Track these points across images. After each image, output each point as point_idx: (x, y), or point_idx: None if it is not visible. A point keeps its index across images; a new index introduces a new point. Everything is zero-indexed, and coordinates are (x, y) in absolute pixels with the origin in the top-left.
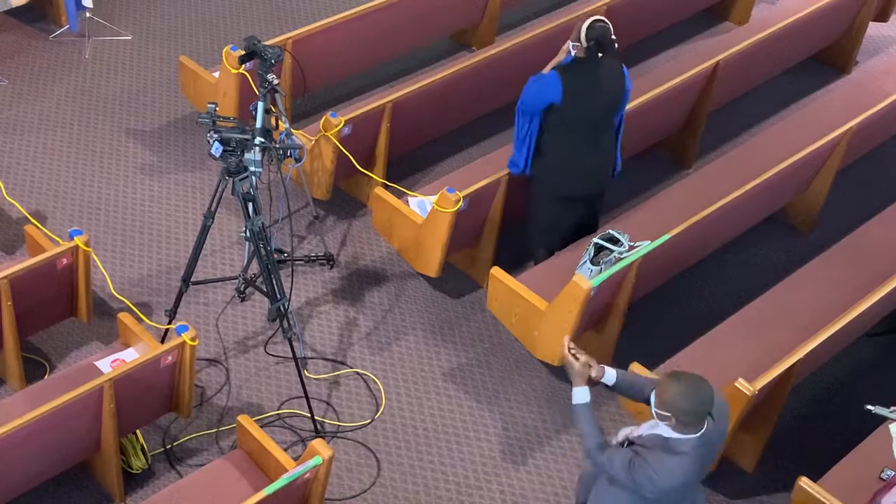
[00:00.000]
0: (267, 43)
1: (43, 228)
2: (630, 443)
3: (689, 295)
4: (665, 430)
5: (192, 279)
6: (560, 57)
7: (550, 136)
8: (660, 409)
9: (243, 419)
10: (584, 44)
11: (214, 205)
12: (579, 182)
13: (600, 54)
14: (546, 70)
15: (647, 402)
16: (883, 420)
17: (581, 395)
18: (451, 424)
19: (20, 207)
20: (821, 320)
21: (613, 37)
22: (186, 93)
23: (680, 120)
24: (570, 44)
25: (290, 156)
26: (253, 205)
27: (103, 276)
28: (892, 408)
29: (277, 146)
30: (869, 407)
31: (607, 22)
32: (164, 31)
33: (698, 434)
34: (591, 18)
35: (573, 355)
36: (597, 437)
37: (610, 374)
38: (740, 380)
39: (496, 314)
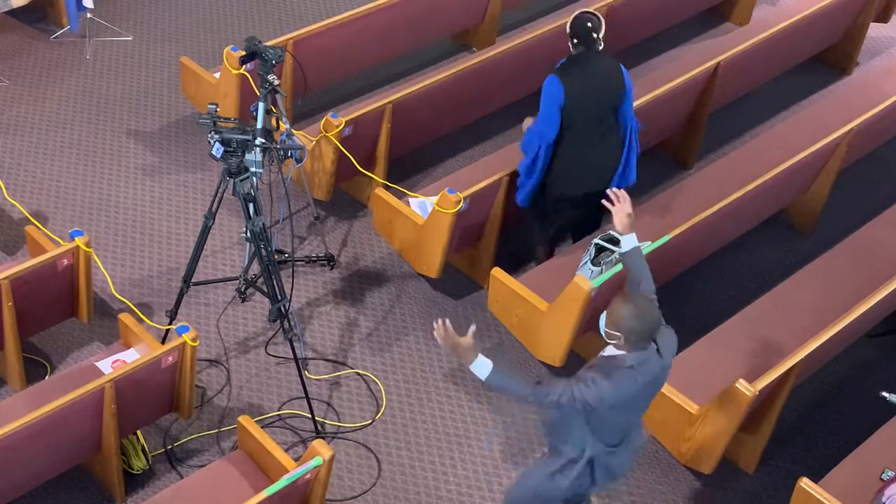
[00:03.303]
0: (268, 44)
1: (44, 229)
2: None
3: (689, 295)
4: (611, 351)
5: (193, 280)
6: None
7: (557, 142)
8: (609, 329)
9: (244, 420)
10: (571, 39)
11: (215, 205)
12: (584, 180)
13: (582, 45)
14: (523, 127)
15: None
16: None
17: (483, 365)
18: (451, 425)
19: (21, 208)
20: (821, 321)
21: (595, 34)
22: (187, 93)
23: (681, 120)
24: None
25: (291, 156)
26: (254, 205)
27: (104, 276)
28: None
29: (278, 147)
30: (884, 394)
31: (593, 13)
32: (164, 32)
33: (643, 353)
34: (575, 13)
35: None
36: (525, 384)
37: (631, 239)
38: (741, 380)
39: (497, 315)
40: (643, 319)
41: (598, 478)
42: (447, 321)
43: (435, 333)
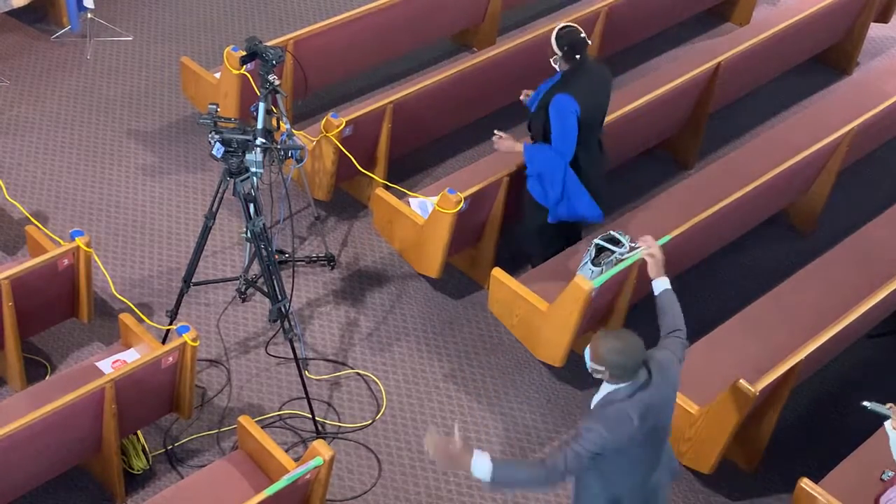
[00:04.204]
0: (268, 44)
1: (44, 229)
2: None
3: (690, 296)
4: (604, 388)
5: (194, 280)
6: (517, 147)
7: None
8: (594, 364)
9: (244, 420)
10: (559, 53)
11: (215, 205)
12: (593, 189)
13: (577, 56)
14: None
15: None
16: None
17: (483, 464)
18: (452, 425)
19: (21, 208)
20: (822, 321)
21: (583, 35)
22: (188, 93)
23: (681, 121)
24: (552, 62)
25: (292, 156)
26: (254, 205)
27: (104, 276)
28: (889, 405)
29: (279, 147)
30: (865, 403)
31: (574, 25)
32: (165, 32)
33: (633, 384)
34: (557, 27)
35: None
36: (531, 466)
37: (663, 282)
38: (742, 381)
39: (497, 315)
40: (624, 353)
41: None
42: (431, 430)
43: (426, 447)
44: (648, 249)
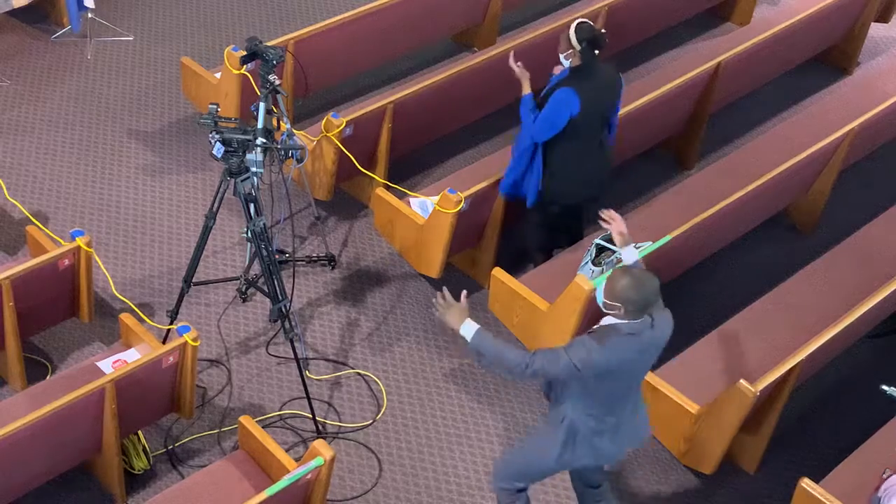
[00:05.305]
0: (268, 44)
1: (45, 229)
2: None
3: (690, 296)
4: (609, 320)
5: (194, 280)
6: (525, 87)
7: (557, 146)
8: (608, 300)
9: (245, 420)
10: (578, 46)
11: (216, 205)
12: (584, 189)
13: (596, 51)
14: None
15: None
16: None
17: (470, 327)
18: (452, 425)
19: (22, 208)
20: (822, 321)
21: (604, 32)
22: (188, 93)
23: (682, 120)
24: (562, 56)
25: (292, 156)
26: (254, 205)
27: (105, 276)
28: None
29: (279, 147)
30: (884, 387)
31: (590, 22)
32: (165, 32)
33: (641, 323)
34: (576, 22)
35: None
36: (512, 350)
37: (631, 252)
38: (742, 381)
39: (498, 315)
40: (640, 290)
41: (580, 454)
42: (446, 290)
43: (435, 301)
44: (619, 227)
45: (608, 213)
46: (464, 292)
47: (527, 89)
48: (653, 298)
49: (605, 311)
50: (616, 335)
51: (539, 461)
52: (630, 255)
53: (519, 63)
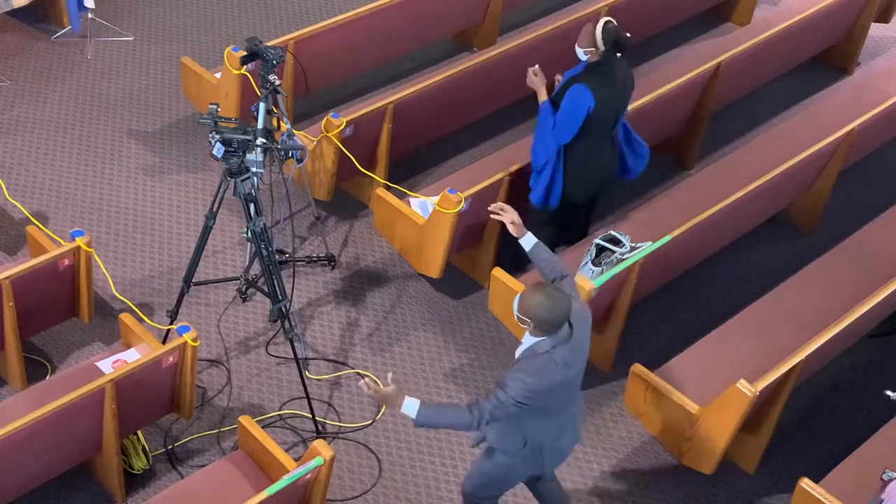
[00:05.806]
0: (268, 44)
1: (44, 229)
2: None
3: (690, 296)
4: (527, 339)
5: (194, 280)
6: (541, 94)
7: (571, 143)
8: (520, 315)
9: (245, 420)
10: (602, 47)
11: (216, 205)
12: (595, 185)
13: (619, 54)
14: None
15: (552, 280)
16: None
17: (412, 404)
18: (386, 375)
19: (22, 208)
20: (823, 321)
21: (628, 35)
22: (188, 93)
23: (682, 121)
24: (580, 50)
25: (292, 156)
26: (254, 205)
27: (105, 276)
28: None
29: (279, 147)
30: (888, 392)
31: (615, 22)
32: (165, 32)
33: (556, 336)
34: (602, 21)
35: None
36: (457, 410)
37: (529, 239)
38: (742, 381)
39: (497, 315)
40: (552, 311)
41: (548, 460)
42: (367, 380)
43: (363, 389)
44: (510, 217)
45: (497, 205)
46: (389, 375)
47: (543, 96)
48: (565, 316)
49: (518, 324)
50: (539, 359)
51: (508, 477)
52: (528, 241)
53: (536, 66)
